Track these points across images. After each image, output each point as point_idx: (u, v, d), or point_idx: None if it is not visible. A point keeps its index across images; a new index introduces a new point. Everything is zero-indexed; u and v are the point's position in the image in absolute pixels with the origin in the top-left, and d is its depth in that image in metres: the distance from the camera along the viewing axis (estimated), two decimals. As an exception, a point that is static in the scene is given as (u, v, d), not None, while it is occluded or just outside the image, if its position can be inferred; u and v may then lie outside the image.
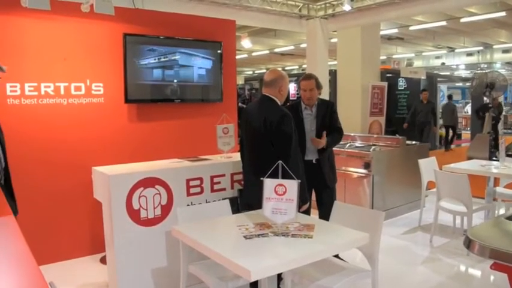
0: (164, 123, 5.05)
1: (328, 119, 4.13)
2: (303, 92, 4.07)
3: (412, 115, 10.39)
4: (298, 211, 3.29)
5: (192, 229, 2.68)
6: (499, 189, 5.41)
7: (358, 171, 5.76)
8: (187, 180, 3.72)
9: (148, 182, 3.53)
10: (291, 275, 2.92)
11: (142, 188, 3.49)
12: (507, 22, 12.95)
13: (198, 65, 5.17)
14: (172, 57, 5.01)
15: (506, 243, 2.12)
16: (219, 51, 5.27)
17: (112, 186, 3.38)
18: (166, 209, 3.62)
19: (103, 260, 4.23)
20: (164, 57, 4.95)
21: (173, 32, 5.01)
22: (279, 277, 3.12)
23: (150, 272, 3.58)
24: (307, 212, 3.82)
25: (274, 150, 3.16)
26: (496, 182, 5.39)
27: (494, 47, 17.88)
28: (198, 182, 3.78)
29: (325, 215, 3.68)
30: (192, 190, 3.75)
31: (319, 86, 4.11)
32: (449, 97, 13.55)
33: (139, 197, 3.48)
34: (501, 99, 13.80)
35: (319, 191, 4.14)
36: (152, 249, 3.57)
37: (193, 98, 5.21)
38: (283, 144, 3.19)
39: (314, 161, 4.06)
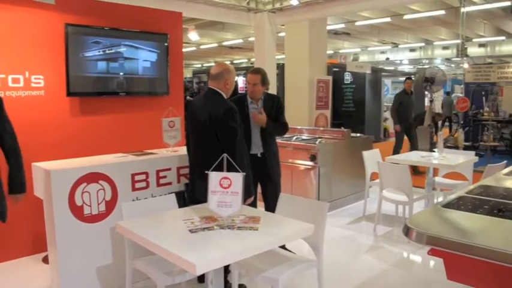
0: (109, 117, 4.92)
1: (274, 113, 4.16)
2: (248, 86, 4.08)
3: (397, 111, 8.63)
4: (244, 204, 3.33)
5: (136, 224, 2.64)
6: (438, 179, 5.67)
7: (304, 163, 5.86)
8: (133, 175, 3.66)
9: (92, 177, 3.44)
10: (237, 268, 2.94)
11: (85, 184, 3.40)
12: (447, 20, 13.52)
13: (144, 57, 5.06)
14: (117, 49, 4.89)
15: (441, 229, 2.22)
16: (165, 44, 5.19)
17: (53, 183, 3.26)
18: (110, 205, 3.54)
19: (45, 260, 4.08)
20: (109, 49, 4.81)
21: (118, 23, 4.88)
22: (227, 270, 3.14)
23: (95, 270, 3.50)
24: (253, 204, 3.85)
25: (220, 144, 3.18)
26: (435, 172, 5.64)
27: (435, 43, 18.63)
28: (143, 177, 3.72)
29: (270, 208, 3.73)
30: (137, 185, 3.69)
31: (264, 82, 4.09)
32: (448, 93, 14.81)
33: (83, 193, 3.39)
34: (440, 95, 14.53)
35: (264, 185, 4.17)
36: (97, 246, 3.49)
37: (138, 91, 5.10)
38: (228, 137, 3.20)
39: (259, 155, 4.08)
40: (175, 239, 2.40)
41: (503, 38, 16.47)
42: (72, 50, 4.50)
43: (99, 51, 4.73)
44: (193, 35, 10.18)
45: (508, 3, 10.48)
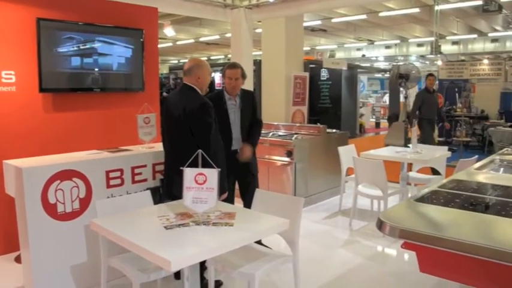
0: (83, 114, 4.84)
1: (250, 110, 4.18)
2: (228, 81, 4.01)
3: (419, 111, 7.93)
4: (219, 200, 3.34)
5: (111, 222, 2.61)
6: (412, 173, 5.77)
7: (281, 159, 5.89)
8: (107, 172, 3.62)
9: (65, 174, 3.39)
10: (213, 264, 2.94)
11: (58, 181, 3.35)
12: (421, 18, 13.72)
13: (119, 53, 5.00)
14: (91, 45, 4.81)
15: (414, 223, 2.26)
16: (140, 39, 5.13)
17: (26, 180, 3.20)
18: (85, 202, 3.49)
19: (18, 259, 4.00)
20: (83, 45, 4.74)
21: (92, 18, 4.80)
22: (203, 266, 3.13)
23: (70, 268, 3.45)
24: (230, 201, 3.86)
25: (194, 139, 3.17)
26: (409, 167, 5.74)
27: (410, 40, 18.86)
28: (118, 174, 3.68)
29: (250, 203, 3.74)
30: (112, 182, 3.65)
31: (244, 76, 4.08)
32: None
33: (56, 190, 3.34)
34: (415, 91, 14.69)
35: (244, 180, 4.18)
36: (71, 244, 3.44)
37: (113, 87, 5.03)
38: (203, 133, 3.21)
39: (239, 151, 4.09)
40: (150, 236, 2.38)
41: (475, 36, 16.78)
42: (45, 45, 4.41)
43: (73, 47, 4.65)
44: (169, 31, 10.09)
45: (479, 2, 10.68)
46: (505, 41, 16.97)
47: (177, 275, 3.32)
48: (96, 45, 4.83)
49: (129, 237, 2.30)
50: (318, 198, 6.21)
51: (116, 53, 4.98)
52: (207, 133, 3.20)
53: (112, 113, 5.04)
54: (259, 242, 3.51)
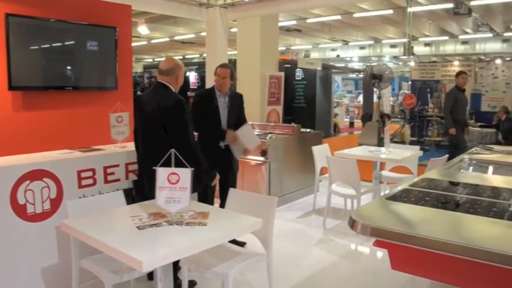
0: (54, 112, 4.74)
1: (238, 111, 4.43)
2: (217, 78, 4.28)
3: (451, 111, 7.34)
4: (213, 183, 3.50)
5: (82, 222, 2.57)
6: (385, 172, 5.86)
7: (255, 158, 5.89)
8: (79, 172, 3.55)
9: (35, 174, 3.31)
10: (187, 264, 2.92)
11: (28, 182, 3.26)
12: (394, 19, 13.94)
13: (91, 51, 4.91)
14: (63, 42, 4.72)
15: (385, 221, 2.30)
16: (113, 37, 5.06)
17: (-6, 180, 3.12)
18: (55, 203, 3.42)
19: (-15, 261, 3.90)
20: (54, 42, 4.65)
21: (64, 15, 4.71)
22: (177, 267, 3.11)
23: (40, 270, 3.37)
24: (210, 201, 3.91)
25: (170, 137, 3.16)
26: (382, 166, 5.82)
27: (383, 41, 19.14)
28: (90, 174, 3.62)
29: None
30: (84, 182, 3.58)
31: (232, 77, 4.35)
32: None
33: (26, 191, 3.25)
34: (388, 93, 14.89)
35: (224, 176, 4.25)
36: (41, 246, 3.36)
37: (86, 86, 4.96)
38: (180, 130, 3.20)
39: (223, 147, 4.26)
40: (122, 237, 2.36)
41: (446, 37, 17.15)
42: (14, 42, 4.30)
43: (44, 44, 4.56)
44: (143, 29, 10.00)
45: (450, 5, 10.91)
46: (475, 43, 17.40)
47: (151, 275, 3.29)
48: (68, 42, 4.74)
49: (101, 238, 2.27)
50: (292, 197, 6.25)
51: (88, 51, 4.89)
52: (184, 130, 3.19)
53: (84, 111, 4.96)
54: (233, 239, 3.52)
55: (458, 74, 7.55)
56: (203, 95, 4.43)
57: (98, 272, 2.77)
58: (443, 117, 7.47)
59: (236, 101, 4.44)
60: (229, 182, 4.27)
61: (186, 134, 3.20)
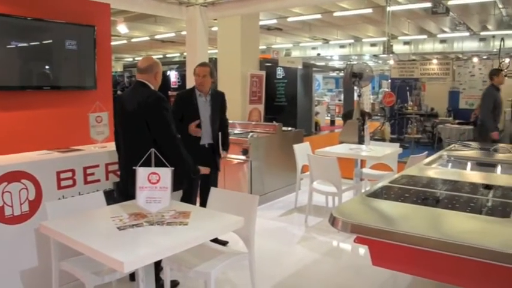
0: (32, 113, 4.65)
1: (220, 110, 4.41)
2: (196, 77, 4.27)
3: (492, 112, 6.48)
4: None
5: (62, 224, 2.54)
6: (366, 170, 5.91)
7: (236, 157, 5.89)
8: (58, 173, 3.50)
9: (13, 176, 3.25)
10: (169, 264, 2.91)
11: (6, 183, 3.20)
12: (374, 18, 14.06)
13: (70, 50, 4.83)
14: (41, 42, 4.64)
15: (365, 217, 2.32)
16: (92, 36, 4.99)
17: (-31, 183, 3.06)
18: (34, 205, 3.37)
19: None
20: (32, 41, 4.56)
21: (42, 14, 4.62)
22: (159, 267, 3.10)
23: (19, 274, 3.32)
24: (192, 200, 3.92)
25: (154, 135, 3.18)
26: (363, 163, 5.87)
27: (363, 40, 19.30)
28: (69, 174, 3.57)
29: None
30: (63, 183, 3.54)
31: (212, 75, 4.36)
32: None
33: (3, 192, 3.19)
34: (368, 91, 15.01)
35: (207, 175, 4.20)
36: (20, 248, 3.31)
37: (64, 85, 4.87)
38: (162, 126, 3.21)
39: (207, 145, 4.28)
40: (103, 238, 2.33)
41: (425, 36, 17.37)
42: (-11, 41, 4.22)
43: (21, 43, 4.47)
44: (122, 28, 9.89)
45: (428, 5, 11.05)
46: (453, 42, 17.66)
47: (133, 276, 3.26)
48: (46, 41, 4.66)
49: (81, 239, 2.24)
50: (274, 195, 6.26)
51: (66, 50, 4.81)
52: (166, 126, 3.21)
53: (63, 111, 4.87)
54: (216, 239, 3.52)
55: (496, 71, 6.69)
56: (183, 95, 4.41)
57: (78, 274, 2.74)
58: (481, 120, 6.56)
59: (218, 99, 4.43)
60: (211, 180, 4.27)
61: (169, 130, 3.23)
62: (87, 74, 5.00)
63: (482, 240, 1.89)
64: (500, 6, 12.49)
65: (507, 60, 12.19)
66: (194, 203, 4.17)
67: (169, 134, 3.22)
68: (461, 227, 2.16)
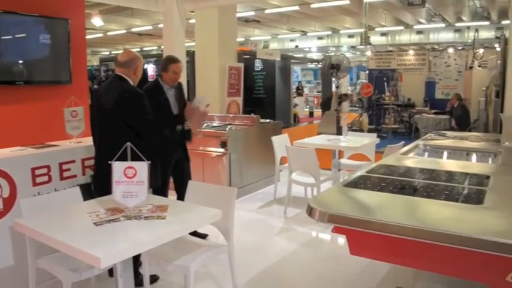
0: (5, 108, 4.53)
1: (182, 99, 4.33)
2: (173, 75, 4.14)
3: None
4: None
5: (37, 221, 2.49)
6: (344, 160, 5.97)
7: (215, 150, 5.87)
8: (33, 169, 3.45)
9: (-14, 173, 3.19)
10: (148, 258, 2.89)
11: (-22, 181, 3.15)
12: (351, 10, 14.13)
13: (43, 44, 4.73)
14: (13, 35, 4.53)
15: (342, 207, 2.34)
16: (66, 29, 4.90)
17: None
18: (9, 202, 3.31)
19: None
20: (3, 35, 4.45)
21: (13, 7, 4.51)
22: (138, 262, 3.07)
23: (-6, 273, 3.27)
24: (164, 193, 3.87)
25: (136, 129, 3.19)
26: (341, 154, 5.92)
27: (341, 32, 19.40)
28: (45, 170, 3.52)
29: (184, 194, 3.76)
30: (38, 179, 3.48)
31: None
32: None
33: (-25, 190, 3.14)
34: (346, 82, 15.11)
35: (180, 166, 4.28)
36: (-5, 247, 3.25)
37: (38, 80, 4.76)
38: (140, 115, 3.21)
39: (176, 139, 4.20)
40: (79, 234, 2.30)
41: (401, 27, 17.54)
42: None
43: (-8, 37, 4.36)
44: (97, 21, 9.74)
45: (405, -4, 11.17)
46: (429, 33, 17.88)
47: (112, 272, 3.23)
48: (19, 35, 4.55)
49: (57, 236, 2.21)
50: (253, 187, 6.27)
51: (40, 44, 4.71)
52: (146, 118, 3.22)
53: (37, 107, 4.78)
54: (195, 232, 3.52)
55: None
56: (152, 89, 4.18)
57: (55, 271, 2.70)
58: None
59: (181, 90, 4.38)
60: (185, 172, 4.31)
61: (147, 116, 3.23)
62: (61, 68, 4.90)
63: (457, 227, 1.93)
64: (474, -3, 12.70)
65: (481, 50, 12.45)
66: (166, 195, 4.14)
67: (146, 121, 3.24)
68: (437, 214, 2.19)
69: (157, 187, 4.06)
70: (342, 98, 8.40)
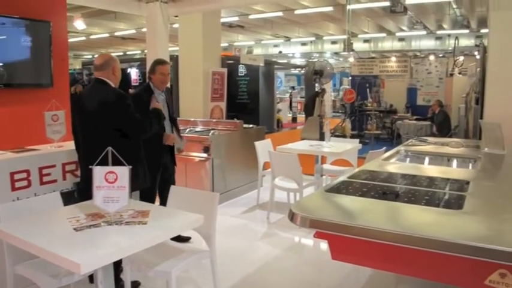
0: (-16, 112, 4.49)
1: (171, 105, 4.42)
2: (161, 77, 4.19)
3: None
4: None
5: (16, 226, 2.44)
6: (326, 166, 5.99)
7: (198, 155, 5.86)
8: (12, 174, 3.38)
9: (-37, 177, 3.13)
10: (129, 264, 2.86)
11: (-45, 185, 3.09)
12: (334, 16, 14.26)
13: (24, 46, 4.67)
14: (-7, 38, 4.47)
15: (324, 212, 2.35)
16: (47, 32, 4.84)
17: None
18: (-14, 207, 3.24)
19: None
20: (-17, 37, 4.39)
21: (-6, 9, 4.46)
22: (119, 268, 3.04)
23: (-30, 280, 3.19)
24: (152, 199, 3.88)
25: (125, 130, 3.22)
26: (324, 159, 5.95)
27: (324, 38, 19.54)
28: (24, 175, 3.45)
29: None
30: (17, 184, 3.42)
31: None
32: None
33: (-48, 195, 3.07)
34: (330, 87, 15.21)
35: (167, 172, 4.31)
36: (-29, 254, 3.18)
37: (19, 83, 4.70)
38: (127, 120, 3.21)
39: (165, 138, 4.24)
40: (59, 239, 2.26)
41: (384, 34, 17.75)
42: None
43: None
44: (79, 24, 9.65)
45: (387, 3, 11.30)
46: (411, 40, 18.13)
47: (92, 278, 3.19)
48: (-1, 37, 4.49)
49: (36, 241, 2.17)
50: (236, 193, 6.26)
51: (21, 47, 4.65)
52: (130, 114, 3.22)
53: (17, 110, 4.71)
54: (177, 236, 3.50)
55: None
56: (142, 93, 4.22)
57: (34, 278, 2.66)
58: None
59: (168, 94, 4.44)
60: (171, 177, 4.37)
61: (136, 119, 3.25)
62: (42, 71, 4.84)
63: (437, 231, 1.95)
64: (455, 6, 12.90)
65: (461, 58, 12.65)
66: (153, 202, 4.13)
67: (137, 123, 3.27)
68: (418, 219, 2.22)
69: (146, 191, 4.05)
70: (323, 92, 8.41)
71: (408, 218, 2.25)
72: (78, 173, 3.76)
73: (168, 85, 4.62)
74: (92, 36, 17.57)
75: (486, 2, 8.47)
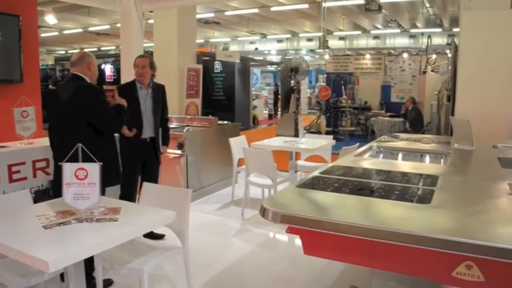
0: (-50, 108, 4.38)
1: (162, 102, 4.43)
2: (136, 68, 4.21)
3: None
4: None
5: (-18, 225, 2.40)
6: (300, 162, 6.04)
7: (172, 152, 5.82)
8: (-21, 171, 3.32)
9: None
10: (101, 262, 2.83)
11: None
12: (310, 14, 14.32)
13: (-8, 41, 4.59)
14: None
15: (296, 208, 2.36)
16: (17, 26, 4.74)
17: None
18: (-48, 205, 3.16)
19: None
20: None
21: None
22: (92, 266, 3.00)
23: None
24: (133, 198, 3.85)
25: (98, 126, 3.22)
26: (298, 156, 5.98)
27: (300, 35, 19.61)
28: (-8, 172, 3.39)
29: None
30: (-15, 182, 3.35)
31: (152, 66, 4.31)
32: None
33: None
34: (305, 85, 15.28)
35: (150, 168, 4.33)
36: None
37: (-14, 79, 4.62)
38: (100, 115, 3.22)
39: (148, 139, 4.25)
40: (27, 237, 2.22)
41: (359, 32, 17.90)
42: None
43: None
44: (50, 18, 9.44)
45: (362, 2, 11.42)
46: (385, 38, 18.33)
47: (64, 276, 3.15)
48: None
49: (3, 240, 2.12)
50: (211, 189, 6.25)
51: (-12, 41, 4.56)
52: (103, 109, 3.24)
53: (-15, 106, 4.61)
54: (150, 234, 3.48)
55: None
56: (124, 87, 4.28)
57: (2, 278, 2.60)
58: None
59: (159, 92, 4.42)
60: (154, 174, 4.36)
61: (109, 114, 3.28)
62: (12, 66, 4.76)
63: (405, 225, 1.98)
64: (428, 5, 13.11)
65: (434, 56, 12.88)
66: (134, 200, 4.10)
67: (108, 118, 3.28)
68: (388, 214, 2.24)
69: (126, 187, 4.02)
70: (299, 85, 8.45)
71: (378, 212, 2.28)
72: (50, 170, 3.71)
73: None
74: (65, 32, 17.23)
75: (458, 2, 8.65)
